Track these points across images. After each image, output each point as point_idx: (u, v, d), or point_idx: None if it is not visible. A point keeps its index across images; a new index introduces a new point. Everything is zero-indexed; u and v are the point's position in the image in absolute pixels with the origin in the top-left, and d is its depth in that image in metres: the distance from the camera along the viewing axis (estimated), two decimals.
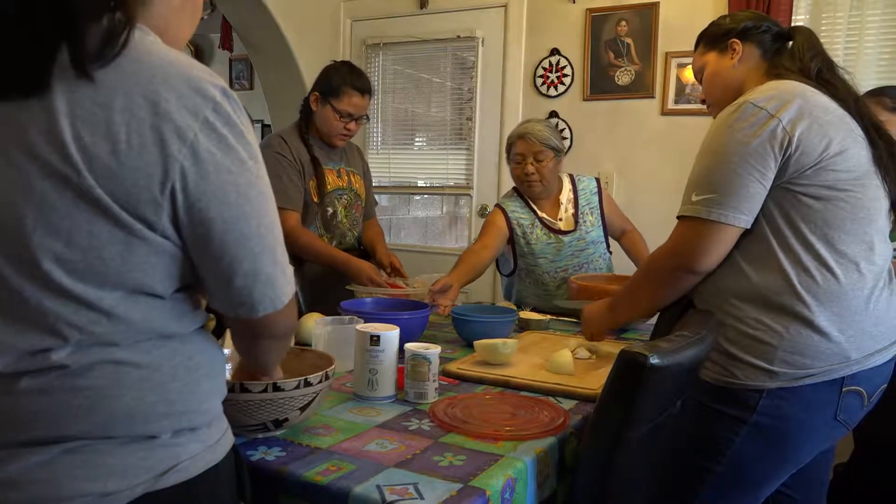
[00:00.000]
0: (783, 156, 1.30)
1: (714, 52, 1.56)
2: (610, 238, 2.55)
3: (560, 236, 2.42)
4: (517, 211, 2.44)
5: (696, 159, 1.40)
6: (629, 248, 2.53)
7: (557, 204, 2.45)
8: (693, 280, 1.40)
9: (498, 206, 2.49)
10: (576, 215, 2.45)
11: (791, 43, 1.50)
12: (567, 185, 2.49)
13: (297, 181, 2.33)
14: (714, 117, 1.60)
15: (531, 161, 2.35)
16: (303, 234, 2.31)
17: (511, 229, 2.42)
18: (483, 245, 2.37)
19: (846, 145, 1.32)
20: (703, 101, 1.66)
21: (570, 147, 3.28)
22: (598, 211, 2.49)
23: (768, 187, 1.32)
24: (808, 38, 1.48)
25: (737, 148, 1.31)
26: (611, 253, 2.56)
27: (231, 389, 1.07)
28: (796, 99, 1.32)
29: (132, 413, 0.78)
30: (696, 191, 1.35)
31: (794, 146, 1.29)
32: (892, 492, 2.05)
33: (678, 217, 1.40)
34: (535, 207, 2.45)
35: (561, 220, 2.44)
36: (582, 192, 2.48)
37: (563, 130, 3.30)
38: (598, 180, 2.56)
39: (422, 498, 0.98)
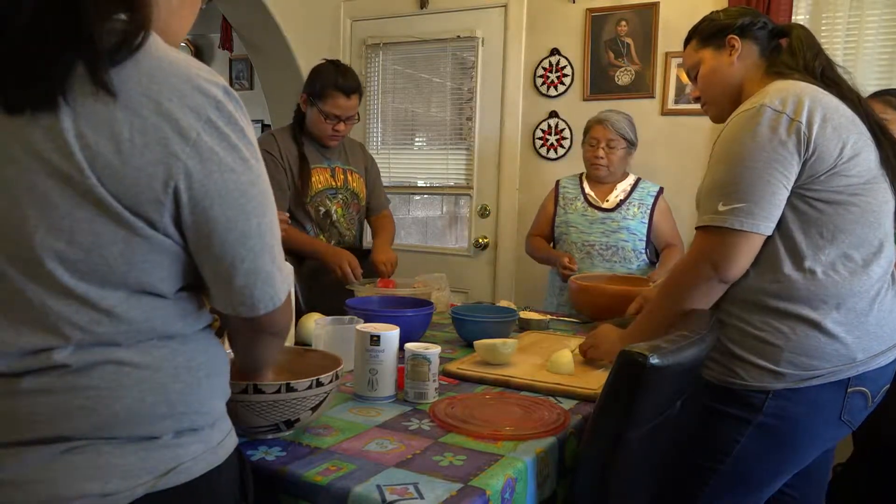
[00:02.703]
0: (800, 159, 1.28)
1: (710, 48, 1.52)
2: (656, 250, 2.65)
3: (596, 210, 2.60)
4: (568, 186, 2.73)
5: (716, 166, 1.35)
6: (661, 260, 2.60)
7: (612, 189, 2.63)
8: (722, 290, 1.36)
9: (557, 181, 2.79)
10: (622, 201, 2.60)
11: (787, 40, 1.48)
12: (629, 180, 2.66)
13: (281, 180, 2.32)
14: (710, 116, 1.60)
15: (603, 146, 2.56)
16: (284, 230, 2.29)
17: (556, 201, 2.71)
18: (539, 240, 2.74)
19: (858, 148, 1.31)
20: (696, 99, 1.61)
21: (570, 147, 3.28)
22: (648, 211, 2.59)
23: (790, 191, 1.30)
24: (805, 35, 1.46)
25: (762, 154, 1.28)
26: (656, 260, 2.62)
27: (244, 391, 1.07)
28: (811, 101, 1.30)
29: (133, 414, 0.78)
30: (722, 200, 1.31)
31: (811, 150, 1.28)
32: (891, 492, 2.06)
33: (702, 227, 1.35)
34: (585, 186, 2.66)
35: (607, 201, 2.61)
36: (639, 190, 2.63)
37: (563, 130, 3.30)
38: (661, 189, 2.66)
39: (422, 498, 0.98)
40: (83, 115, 0.72)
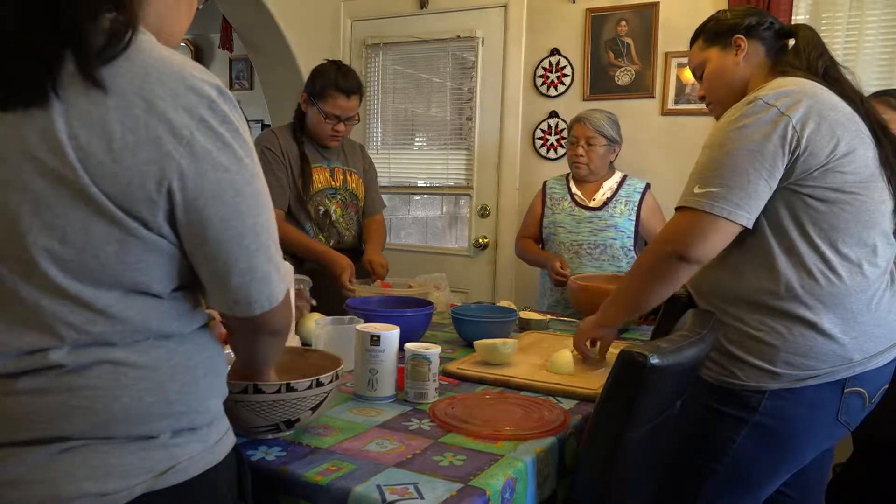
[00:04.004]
0: (791, 156, 1.28)
1: (716, 48, 1.52)
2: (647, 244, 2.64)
3: (583, 210, 2.60)
4: (555, 187, 2.73)
5: (702, 151, 1.37)
6: None
7: (598, 188, 2.63)
8: (685, 270, 1.35)
9: (544, 182, 2.79)
10: (609, 199, 2.60)
11: (794, 41, 1.47)
12: (616, 177, 2.66)
13: (282, 177, 2.32)
14: (716, 116, 1.59)
15: (583, 144, 2.58)
16: (284, 229, 2.29)
17: (543, 201, 2.72)
18: (529, 242, 2.74)
19: (854, 146, 1.30)
20: (701, 98, 1.61)
21: None
22: (635, 207, 2.59)
23: (773, 187, 1.30)
24: (811, 36, 1.45)
25: (745, 144, 1.28)
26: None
27: (244, 391, 1.07)
28: (806, 98, 1.29)
29: (130, 413, 0.78)
30: (699, 183, 1.32)
31: (802, 146, 1.27)
32: (891, 492, 2.05)
33: (677, 208, 1.36)
34: (572, 185, 2.67)
35: (594, 199, 2.61)
36: (626, 187, 2.63)
37: (563, 130, 3.30)
38: (648, 185, 2.66)
39: (422, 498, 0.98)
40: (76, 116, 0.72)
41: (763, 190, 1.29)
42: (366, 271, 2.37)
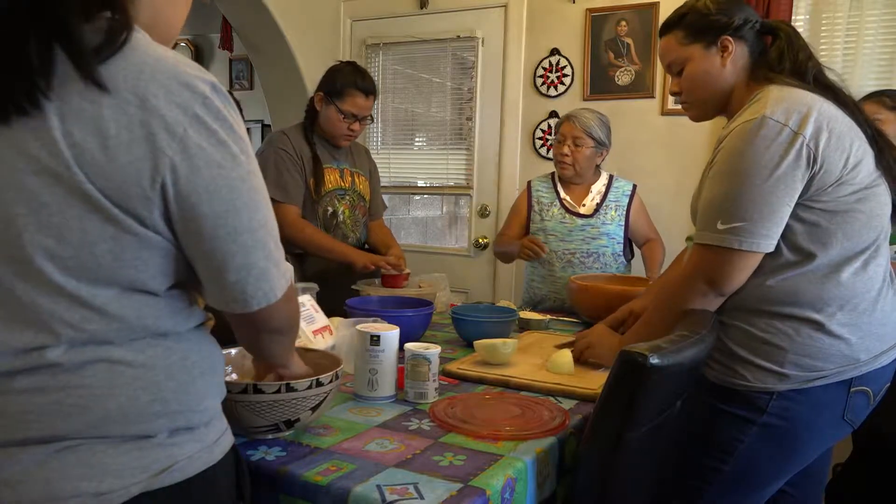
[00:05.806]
0: (808, 174, 1.26)
1: (698, 45, 1.44)
2: (634, 247, 2.62)
3: (575, 217, 2.52)
4: (541, 190, 2.60)
5: (716, 180, 1.32)
6: (645, 255, 2.57)
7: (587, 192, 2.56)
8: (719, 302, 1.37)
9: (528, 182, 2.66)
10: (599, 205, 2.54)
11: (773, 40, 1.43)
12: (603, 180, 2.59)
13: (298, 177, 2.35)
14: (691, 116, 1.55)
15: (569, 143, 2.49)
16: (305, 227, 2.33)
17: (530, 205, 2.59)
18: (508, 238, 2.59)
19: (860, 156, 1.29)
20: (675, 93, 1.53)
21: None
22: (625, 212, 2.55)
23: (793, 206, 1.28)
24: (794, 35, 1.42)
25: (763, 171, 1.25)
26: (631, 257, 2.61)
27: (244, 391, 1.07)
28: (815, 113, 1.26)
29: (126, 412, 0.78)
30: (721, 218, 1.29)
31: (818, 164, 1.25)
32: (891, 492, 2.06)
33: (700, 243, 1.33)
34: (560, 189, 2.57)
35: (584, 205, 2.54)
36: (614, 190, 2.57)
37: None
38: (635, 186, 2.62)
39: (422, 498, 0.98)
40: (70, 113, 0.72)
41: (786, 213, 1.28)
42: (372, 272, 2.39)
